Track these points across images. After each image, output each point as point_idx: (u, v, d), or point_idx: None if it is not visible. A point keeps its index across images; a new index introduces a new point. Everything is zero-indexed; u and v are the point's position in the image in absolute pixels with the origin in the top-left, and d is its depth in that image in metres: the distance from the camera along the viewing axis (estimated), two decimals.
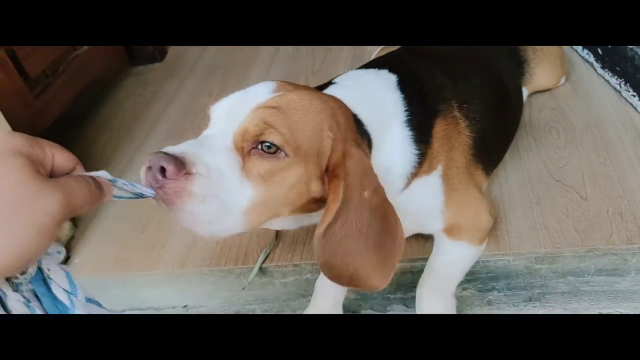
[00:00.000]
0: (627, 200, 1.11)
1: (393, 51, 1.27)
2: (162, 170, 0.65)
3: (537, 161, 1.27)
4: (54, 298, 0.54)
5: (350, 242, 0.74)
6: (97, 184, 0.55)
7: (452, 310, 1.00)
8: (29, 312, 0.51)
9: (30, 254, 0.47)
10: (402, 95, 0.97)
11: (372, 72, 1.03)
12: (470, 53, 1.19)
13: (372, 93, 0.96)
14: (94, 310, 0.56)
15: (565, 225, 1.10)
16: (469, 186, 1.03)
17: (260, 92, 0.78)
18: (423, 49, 1.16)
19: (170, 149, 0.69)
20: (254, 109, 0.74)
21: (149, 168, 0.66)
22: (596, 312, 1.08)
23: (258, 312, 1.25)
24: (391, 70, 1.02)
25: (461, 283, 1.11)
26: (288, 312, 1.23)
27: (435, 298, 0.99)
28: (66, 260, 1.35)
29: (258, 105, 0.74)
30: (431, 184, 0.97)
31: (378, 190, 0.77)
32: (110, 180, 0.59)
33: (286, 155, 0.72)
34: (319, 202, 0.79)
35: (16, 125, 1.37)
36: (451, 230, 1.02)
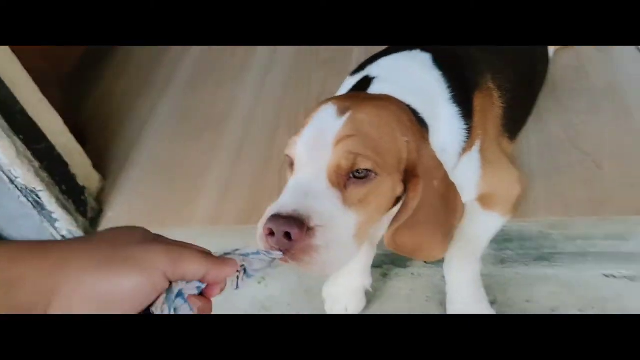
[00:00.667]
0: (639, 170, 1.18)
1: None
2: (286, 234, 0.68)
3: (558, 125, 1.32)
4: None
5: (421, 227, 0.81)
6: (220, 260, 0.56)
7: (477, 275, 1.09)
8: None
9: (145, 296, 0.49)
10: (440, 73, 0.98)
11: (404, 56, 1.04)
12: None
13: (414, 79, 0.98)
14: None
15: (580, 194, 1.17)
16: (502, 157, 1.07)
17: (329, 121, 0.79)
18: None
19: (282, 209, 0.71)
20: (336, 144, 0.76)
21: (271, 234, 0.69)
22: (598, 272, 1.17)
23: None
24: (423, 49, 1.03)
25: None
26: None
27: (464, 263, 1.08)
28: (99, 213, 1.42)
29: (337, 139, 0.76)
30: (473, 159, 1.00)
31: (445, 176, 0.83)
32: (242, 255, 0.61)
33: (376, 174, 0.76)
34: (397, 201, 0.84)
35: (38, 75, 1.38)
36: (484, 201, 1.06)
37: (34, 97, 1.25)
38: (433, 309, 1.18)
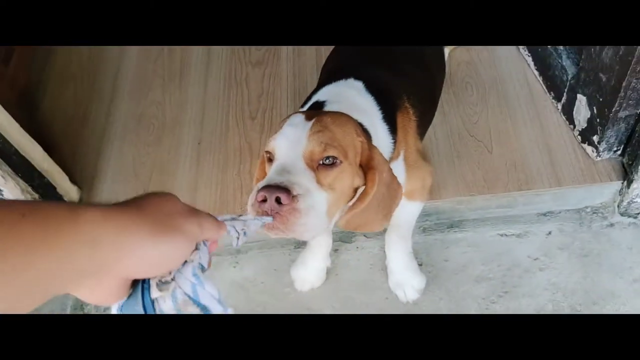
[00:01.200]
0: (519, 153, 1.55)
1: (341, 52, 1.47)
2: (277, 200, 0.85)
3: (457, 117, 1.66)
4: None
5: (370, 209, 1.00)
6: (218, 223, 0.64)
7: (410, 249, 1.42)
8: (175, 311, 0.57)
9: (181, 259, 0.57)
10: (372, 97, 1.19)
11: (342, 84, 1.23)
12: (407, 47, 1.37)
13: (355, 102, 1.17)
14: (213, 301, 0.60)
15: (477, 176, 1.53)
16: (418, 158, 1.33)
17: (301, 123, 0.98)
18: (367, 50, 1.35)
19: (272, 181, 0.87)
20: (309, 135, 0.94)
21: (263, 201, 0.85)
22: (494, 233, 1.56)
23: (254, 249, 1.63)
24: (356, 78, 1.23)
25: None
26: (276, 250, 1.62)
27: (399, 242, 1.40)
28: None
29: (310, 132, 0.95)
30: (399, 167, 1.21)
31: (390, 169, 1.04)
32: (243, 220, 0.71)
33: (341, 162, 0.94)
34: (355, 192, 1.02)
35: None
36: (408, 194, 1.31)
37: (20, 134, 1.41)
38: (377, 274, 1.53)
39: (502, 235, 1.56)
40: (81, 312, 1.59)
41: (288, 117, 1.04)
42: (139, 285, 0.56)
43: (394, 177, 1.05)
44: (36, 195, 1.38)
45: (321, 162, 0.94)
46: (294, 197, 0.86)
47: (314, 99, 1.25)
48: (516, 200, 1.52)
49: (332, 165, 0.94)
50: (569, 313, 1.41)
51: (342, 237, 1.60)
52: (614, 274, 1.45)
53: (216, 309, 0.58)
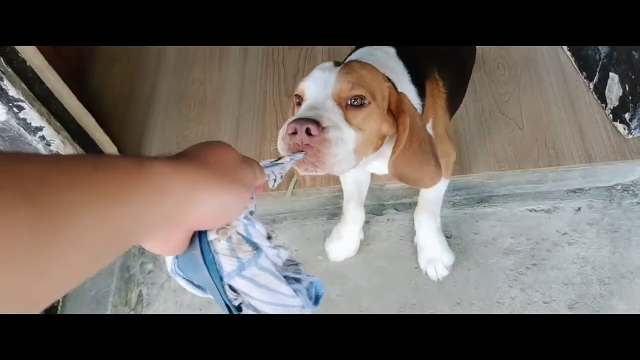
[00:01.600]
0: (550, 130, 1.58)
1: None
2: (307, 131, 0.86)
3: (489, 95, 1.69)
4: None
5: (416, 157, 1.01)
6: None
7: (439, 225, 1.47)
8: (235, 264, 0.58)
9: (243, 207, 0.59)
10: (402, 62, 1.22)
11: (376, 48, 1.26)
12: None
13: (386, 62, 1.20)
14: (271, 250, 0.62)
15: (508, 152, 1.56)
16: (444, 132, 1.38)
17: (330, 68, 1.00)
18: None
19: (301, 115, 0.89)
20: (339, 76, 0.97)
21: (294, 134, 0.86)
22: (524, 208, 1.60)
23: (288, 219, 1.70)
24: (387, 44, 1.26)
25: None
26: (309, 221, 1.69)
27: (431, 219, 1.43)
28: None
29: (339, 73, 0.97)
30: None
31: (420, 116, 1.06)
32: (279, 164, 0.73)
33: (369, 102, 0.96)
34: (382, 139, 1.04)
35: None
36: None
37: (76, 105, 1.51)
38: (407, 245, 1.58)
39: (531, 210, 1.59)
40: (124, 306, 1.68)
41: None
42: (196, 234, 0.58)
43: (424, 125, 1.07)
44: None
45: (349, 102, 0.95)
46: (323, 128, 0.88)
47: (348, 60, 1.28)
48: (546, 177, 1.55)
49: (361, 106, 0.96)
50: (597, 286, 1.44)
51: (373, 210, 1.66)
52: None
53: (264, 244, 0.61)
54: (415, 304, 1.46)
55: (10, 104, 1.28)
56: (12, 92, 1.26)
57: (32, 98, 1.31)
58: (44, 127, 1.35)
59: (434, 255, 1.49)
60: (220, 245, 0.57)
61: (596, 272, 1.46)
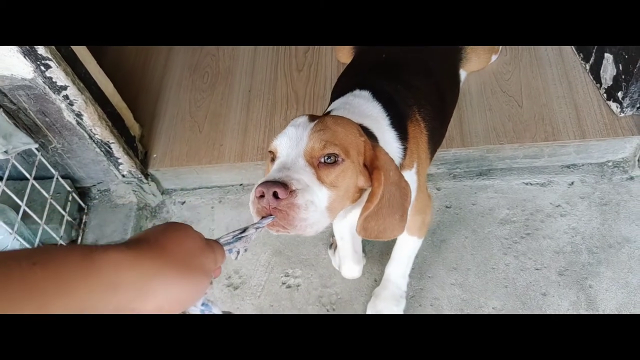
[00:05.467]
0: (547, 108, 1.66)
1: (348, 72, 1.50)
2: (274, 194, 0.85)
3: (490, 74, 1.77)
4: None
5: (383, 211, 0.99)
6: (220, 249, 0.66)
7: (404, 287, 1.45)
8: None
9: (202, 294, 0.58)
10: (379, 104, 1.20)
11: (349, 95, 1.25)
12: (416, 62, 1.40)
13: (362, 109, 1.19)
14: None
15: (507, 127, 1.65)
16: (426, 184, 1.31)
17: (304, 123, 0.99)
18: (375, 68, 1.38)
19: (270, 178, 0.88)
20: (311, 134, 0.95)
21: (261, 197, 0.85)
22: (520, 181, 1.69)
23: None
24: (361, 88, 1.25)
25: (436, 165, 1.69)
26: None
27: (398, 279, 1.44)
28: (145, 155, 1.80)
29: (312, 130, 0.96)
30: (411, 178, 1.18)
31: (397, 167, 1.03)
32: (243, 237, 0.72)
33: (343, 160, 0.94)
34: (360, 192, 1.03)
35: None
36: (408, 229, 1.31)
37: (96, 70, 1.58)
38: None
39: (527, 183, 1.68)
40: None
41: (293, 119, 1.06)
42: None
43: (401, 176, 1.04)
44: (110, 122, 1.55)
45: (323, 160, 0.94)
46: (292, 192, 0.86)
47: (324, 113, 1.25)
48: (542, 152, 1.64)
49: (334, 163, 0.94)
50: (586, 254, 1.53)
51: None
52: (631, 222, 1.56)
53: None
54: (414, 268, 1.54)
55: (38, 62, 1.35)
56: (41, 50, 1.33)
57: (59, 57, 1.38)
58: (68, 86, 1.42)
59: (387, 311, 1.46)
60: None
61: (585, 242, 1.55)
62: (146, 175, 1.76)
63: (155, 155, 1.80)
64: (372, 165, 1.00)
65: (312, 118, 1.01)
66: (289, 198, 0.85)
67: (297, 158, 0.94)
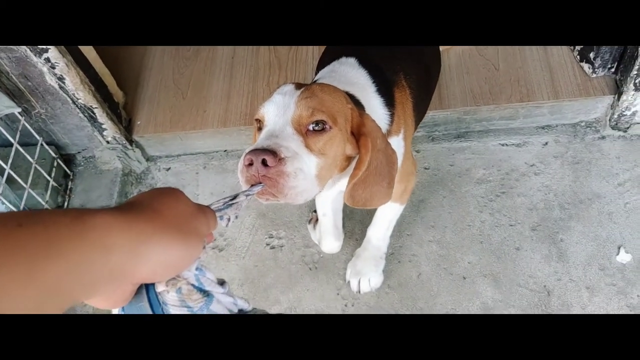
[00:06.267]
0: (523, 70, 1.71)
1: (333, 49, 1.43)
2: (263, 162, 0.84)
3: None
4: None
5: (370, 179, 0.99)
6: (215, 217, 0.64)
7: (385, 249, 1.50)
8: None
9: (195, 258, 0.57)
10: (365, 71, 1.20)
11: (335, 63, 1.26)
12: None
13: (348, 76, 1.19)
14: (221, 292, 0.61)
15: (484, 89, 1.69)
16: (411, 150, 1.32)
17: (291, 91, 0.99)
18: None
19: (258, 146, 0.87)
20: (298, 101, 0.95)
21: (250, 165, 0.85)
22: (496, 142, 1.74)
23: None
24: (348, 56, 1.25)
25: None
26: None
27: (380, 240, 1.47)
28: (129, 122, 1.82)
29: (299, 98, 0.95)
30: (399, 144, 1.20)
31: (383, 135, 1.03)
32: (233, 204, 0.70)
33: (330, 127, 0.94)
34: (348, 160, 1.03)
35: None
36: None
37: None
38: None
39: (503, 144, 1.73)
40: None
41: (279, 86, 1.05)
42: (142, 285, 0.56)
43: (387, 143, 1.04)
44: (92, 87, 1.57)
45: (311, 128, 0.93)
46: (281, 159, 0.86)
47: (316, 79, 1.27)
48: (517, 112, 1.69)
49: (322, 130, 0.93)
50: (558, 210, 1.58)
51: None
52: (602, 179, 1.62)
53: (217, 291, 0.59)
54: (394, 226, 1.59)
55: None
56: None
57: None
58: (49, 49, 1.43)
59: (365, 271, 1.51)
60: (169, 297, 0.56)
61: (558, 199, 1.61)
62: (130, 142, 1.78)
63: (139, 122, 1.82)
64: (359, 133, 1.00)
65: (298, 86, 1.01)
66: (278, 166, 0.85)
67: (285, 126, 0.93)
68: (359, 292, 1.53)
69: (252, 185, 0.85)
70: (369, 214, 1.52)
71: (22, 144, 1.64)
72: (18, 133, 1.63)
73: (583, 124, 1.70)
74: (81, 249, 0.43)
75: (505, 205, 1.62)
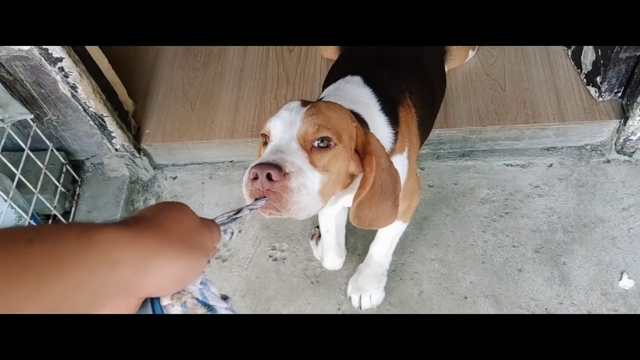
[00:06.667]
0: (529, 92, 1.71)
1: (339, 64, 1.51)
2: (268, 176, 0.85)
3: (475, 58, 1.82)
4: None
5: (375, 198, 1.00)
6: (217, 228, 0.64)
7: (387, 266, 1.50)
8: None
9: (198, 273, 0.58)
10: (370, 89, 1.22)
11: (341, 81, 1.27)
12: (408, 56, 1.41)
13: (352, 95, 1.21)
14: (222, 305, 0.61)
15: (490, 109, 1.70)
16: (416, 169, 1.33)
17: (297, 108, 1.00)
18: (367, 60, 1.38)
19: (264, 160, 0.89)
20: (304, 117, 0.96)
21: (255, 179, 0.86)
22: (501, 162, 1.74)
23: None
24: (353, 74, 1.27)
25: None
26: None
27: (382, 258, 1.48)
28: (138, 130, 1.85)
29: (305, 114, 0.97)
30: (403, 163, 1.21)
31: (387, 154, 1.05)
32: (237, 218, 0.71)
33: (335, 144, 0.95)
34: (351, 178, 1.04)
35: None
36: None
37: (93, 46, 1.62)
38: None
39: (507, 165, 1.73)
40: None
41: (285, 102, 1.07)
42: (147, 298, 0.57)
43: (391, 163, 1.05)
44: (104, 96, 1.60)
45: (315, 145, 0.94)
46: (285, 174, 0.87)
47: (316, 99, 1.25)
48: (523, 134, 1.69)
49: (327, 147, 0.95)
50: (562, 233, 1.58)
51: None
52: (606, 203, 1.62)
53: (221, 306, 0.60)
54: (397, 244, 1.60)
55: None
56: None
57: None
58: (64, 58, 1.46)
59: (367, 287, 1.52)
60: (174, 310, 0.56)
61: (561, 221, 1.61)
62: (139, 150, 1.81)
63: (147, 131, 1.85)
64: (363, 151, 1.01)
65: (304, 103, 1.02)
66: (282, 180, 0.86)
67: (290, 141, 0.94)
68: (360, 308, 1.54)
69: (255, 200, 0.87)
70: (372, 230, 1.53)
71: (32, 150, 1.66)
72: (29, 139, 1.65)
73: (588, 147, 1.71)
74: (88, 263, 0.43)
75: (508, 226, 1.63)
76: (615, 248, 1.55)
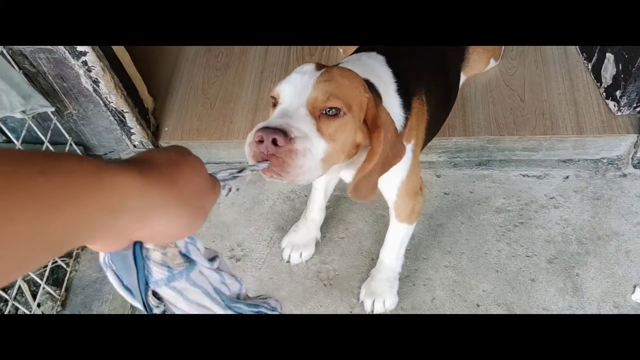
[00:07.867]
0: (548, 103, 1.72)
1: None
2: (274, 141, 0.85)
3: (496, 68, 1.83)
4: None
5: (376, 171, 1.01)
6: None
7: (398, 269, 1.51)
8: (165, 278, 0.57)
9: (193, 233, 0.58)
10: (391, 70, 1.21)
11: (365, 54, 1.27)
12: (432, 57, 1.41)
13: (372, 68, 1.20)
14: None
15: (508, 119, 1.71)
16: (418, 165, 1.32)
17: (310, 71, 0.98)
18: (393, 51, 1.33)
19: (270, 124, 0.88)
20: (316, 84, 0.94)
21: (260, 142, 0.85)
22: (518, 173, 1.75)
23: None
24: (379, 52, 1.26)
25: (437, 153, 1.75)
26: None
27: (393, 261, 1.49)
28: (157, 128, 1.86)
29: (317, 80, 0.95)
30: (407, 153, 1.16)
31: (396, 129, 1.04)
32: (237, 175, 0.70)
33: (344, 114, 0.94)
34: (356, 148, 1.03)
35: None
36: (398, 213, 1.35)
37: None
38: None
39: (524, 175, 1.74)
40: None
41: (300, 65, 1.05)
42: None
43: (399, 138, 1.04)
44: (125, 92, 1.61)
45: (324, 112, 0.94)
46: (291, 139, 0.86)
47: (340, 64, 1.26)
48: (540, 145, 1.70)
49: (335, 116, 0.94)
50: (576, 245, 1.59)
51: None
52: (620, 216, 1.62)
53: (203, 264, 0.60)
54: (410, 249, 1.60)
55: None
56: None
57: None
58: (87, 52, 1.48)
59: (379, 292, 1.52)
60: (154, 254, 0.57)
61: (576, 233, 1.61)
62: (157, 147, 1.82)
63: (166, 129, 1.86)
64: (373, 124, 1.00)
65: (319, 67, 1.00)
66: (288, 145, 0.86)
67: (299, 107, 0.93)
68: (373, 312, 1.54)
69: (258, 162, 0.87)
70: (384, 235, 1.54)
71: (51, 143, 1.68)
72: (49, 131, 1.67)
73: (605, 160, 1.71)
74: (93, 206, 0.42)
75: (522, 235, 1.63)
76: (629, 261, 1.55)
